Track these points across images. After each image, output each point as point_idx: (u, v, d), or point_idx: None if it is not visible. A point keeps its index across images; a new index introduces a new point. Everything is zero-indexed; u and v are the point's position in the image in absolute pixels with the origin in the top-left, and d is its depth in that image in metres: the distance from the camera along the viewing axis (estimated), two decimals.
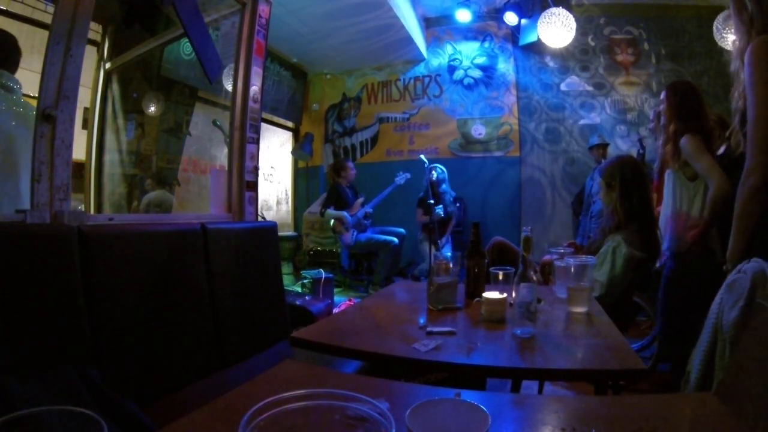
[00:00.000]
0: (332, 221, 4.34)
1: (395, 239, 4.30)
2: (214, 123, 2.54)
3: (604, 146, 4.09)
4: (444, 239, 4.25)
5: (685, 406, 0.77)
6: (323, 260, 4.86)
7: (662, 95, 1.98)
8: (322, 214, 4.46)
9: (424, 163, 4.08)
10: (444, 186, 4.33)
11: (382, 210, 4.59)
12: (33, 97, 1.50)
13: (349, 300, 3.64)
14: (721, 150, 2.38)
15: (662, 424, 0.66)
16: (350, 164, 4.58)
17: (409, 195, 4.52)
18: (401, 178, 4.42)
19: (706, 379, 1.13)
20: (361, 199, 4.47)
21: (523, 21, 4.49)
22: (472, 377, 1.28)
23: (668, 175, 1.94)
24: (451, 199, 4.39)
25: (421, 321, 1.28)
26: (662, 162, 2.00)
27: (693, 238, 1.76)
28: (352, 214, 4.33)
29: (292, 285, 4.14)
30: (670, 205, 1.90)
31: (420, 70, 5.31)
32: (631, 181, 1.89)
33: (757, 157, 1.15)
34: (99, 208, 2.95)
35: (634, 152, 4.05)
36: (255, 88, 2.17)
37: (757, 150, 1.15)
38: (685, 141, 1.79)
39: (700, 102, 1.88)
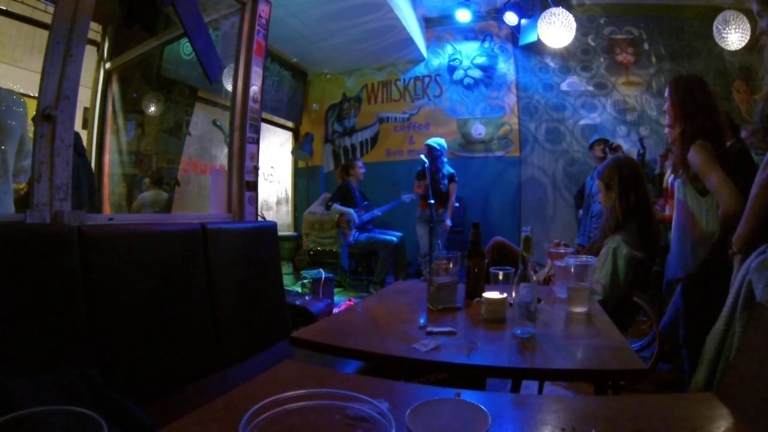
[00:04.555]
0: (337, 216, 4.39)
1: (394, 239, 4.34)
2: (214, 123, 2.55)
3: (604, 141, 4.08)
4: (444, 213, 4.24)
5: (685, 406, 0.77)
6: (323, 260, 4.87)
7: (666, 92, 1.84)
8: (328, 207, 4.50)
9: (424, 163, 4.08)
10: (438, 164, 4.25)
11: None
12: (33, 97, 1.50)
13: (349, 300, 3.64)
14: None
15: (662, 424, 0.66)
16: (359, 163, 4.67)
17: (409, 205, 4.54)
18: (407, 197, 4.46)
19: (713, 370, 1.14)
20: (366, 204, 4.50)
21: (523, 21, 4.49)
22: (472, 377, 1.28)
23: (678, 186, 1.82)
24: (445, 174, 4.30)
25: (421, 321, 1.27)
26: (673, 167, 1.90)
27: (708, 251, 1.66)
28: (359, 214, 4.37)
29: (292, 285, 4.14)
30: (681, 218, 1.79)
31: (420, 70, 5.31)
32: (629, 180, 1.88)
33: None
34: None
35: (634, 152, 4.06)
36: (255, 88, 2.16)
37: None
38: (693, 154, 1.66)
39: (707, 97, 1.73)
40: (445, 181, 4.25)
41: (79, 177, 2.31)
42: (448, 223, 4.27)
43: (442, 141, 4.34)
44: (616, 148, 3.62)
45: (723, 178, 1.59)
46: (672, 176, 1.93)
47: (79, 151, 2.39)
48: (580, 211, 4.28)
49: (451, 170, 4.33)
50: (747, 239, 1.20)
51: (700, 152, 1.64)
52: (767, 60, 1.30)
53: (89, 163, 2.65)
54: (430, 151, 4.19)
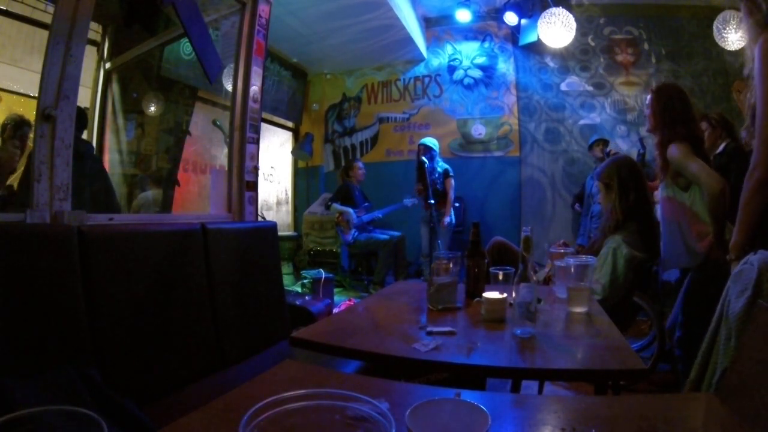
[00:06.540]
0: (337, 215, 4.42)
1: (390, 236, 4.35)
2: (214, 123, 2.55)
3: (603, 142, 4.09)
4: (445, 215, 4.21)
5: (685, 406, 0.77)
6: (323, 260, 4.87)
7: (647, 99, 1.92)
8: (327, 207, 4.55)
9: (424, 162, 4.07)
10: (433, 164, 4.23)
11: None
12: (33, 97, 1.50)
13: (349, 300, 3.64)
14: (720, 148, 2.37)
15: (662, 424, 0.66)
16: (359, 164, 4.70)
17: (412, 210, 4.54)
18: (409, 202, 4.47)
19: (704, 369, 1.14)
20: (366, 205, 4.51)
21: (523, 21, 4.49)
22: (472, 377, 1.29)
23: (661, 189, 1.88)
24: (440, 173, 4.28)
25: (422, 321, 1.27)
26: (656, 174, 1.95)
27: (706, 248, 1.68)
28: (359, 215, 4.37)
29: (292, 285, 4.14)
30: (670, 219, 1.83)
31: (420, 70, 5.30)
32: (628, 179, 1.89)
33: (763, 151, 1.15)
34: None
35: (634, 152, 4.06)
36: (255, 88, 2.16)
37: (762, 145, 1.16)
38: (672, 150, 1.74)
39: (686, 107, 1.81)
40: (441, 179, 4.25)
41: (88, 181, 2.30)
42: (446, 220, 4.21)
43: (435, 140, 4.36)
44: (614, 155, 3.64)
45: (701, 165, 1.67)
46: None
47: (81, 153, 2.37)
48: (576, 205, 4.29)
49: (446, 166, 4.32)
50: (743, 247, 1.21)
51: (678, 147, 1.73)
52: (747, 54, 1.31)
53: (98, 165, 2.61)
54: (428, 150, 4.19)
